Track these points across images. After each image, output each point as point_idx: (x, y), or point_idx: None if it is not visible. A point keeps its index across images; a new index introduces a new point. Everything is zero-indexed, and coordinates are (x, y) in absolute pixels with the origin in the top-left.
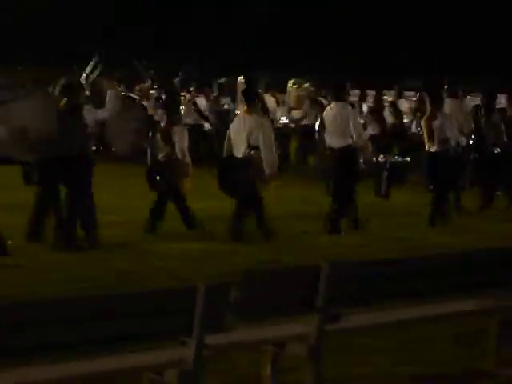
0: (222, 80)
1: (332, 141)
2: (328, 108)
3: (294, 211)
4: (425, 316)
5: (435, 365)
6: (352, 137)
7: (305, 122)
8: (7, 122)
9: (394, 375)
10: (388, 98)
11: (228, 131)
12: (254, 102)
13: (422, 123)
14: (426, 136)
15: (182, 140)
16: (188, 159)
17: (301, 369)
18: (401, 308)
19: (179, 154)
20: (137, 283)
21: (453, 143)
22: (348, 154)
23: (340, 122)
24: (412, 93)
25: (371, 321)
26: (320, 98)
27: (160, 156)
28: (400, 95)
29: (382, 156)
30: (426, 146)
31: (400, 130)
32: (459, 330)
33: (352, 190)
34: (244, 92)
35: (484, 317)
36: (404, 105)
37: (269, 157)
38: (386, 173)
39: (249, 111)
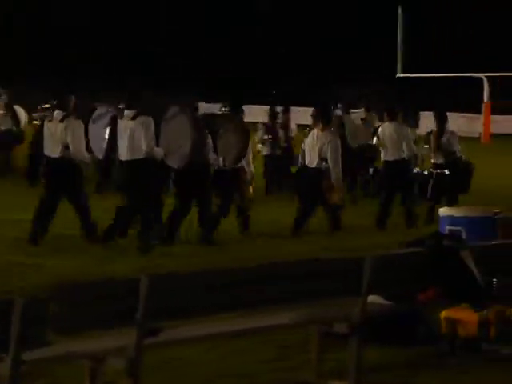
0: None
1: (387, 154)
2: (383, 126)
3: None
4: (246, 328)
5: (257, 377)
6: (404, 151)
7: None
8: (167, 135)
9: None
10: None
11: (302, 145)
12: (328, 121)
13: (431, 138)
14: (433, 149)
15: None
16: (252, 168)
17: (120, 383)
18: (223, 320)
19: (244, 163)
20: None
21: (457, 155)
22: (402, 166)
23: (396, 138)
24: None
25: (192, 333)
26: None
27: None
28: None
29: (430, 168)
30: (433, 159)
31: None
32: (281, 342)
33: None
34: (320, 113)
35: (305, 328)
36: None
37: (335, 169)
38: (431, 182)
39: (322, 129)
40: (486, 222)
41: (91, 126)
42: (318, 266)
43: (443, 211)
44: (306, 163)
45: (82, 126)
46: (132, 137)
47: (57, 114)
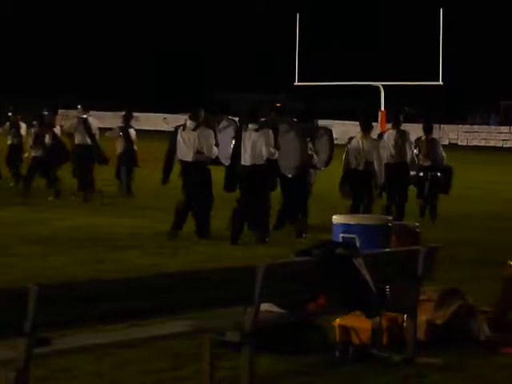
0: None
1: (391, 158)
2: (388, 133)
3: None
4: (139, 337)
5: None
6: (406, 155)
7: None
8: (282, 147)
9: None
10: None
11: (346, 149)
12: (368, 129)
13: (422, 144)
14: (423, 154)
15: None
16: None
17: None
18: (115, 329)
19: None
20: None
21: (441, 159)
22: (403, 168)
23: (400, 144)
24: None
25: (83, 342)
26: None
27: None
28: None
29: (424, 171)
30: (422, 162)
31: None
32: (175, 351)
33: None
34: (363, 121)
35: (199, 337)
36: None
37: (380, 170)
38: (427, 183)
39: (365, 135)
40: (380, 229)
41: (218, 136)
42: (211, 275)
43: (336, 219)
44: (353, 166)
45: (213, 134)
46: (255, 146)
47: (189, 124)
